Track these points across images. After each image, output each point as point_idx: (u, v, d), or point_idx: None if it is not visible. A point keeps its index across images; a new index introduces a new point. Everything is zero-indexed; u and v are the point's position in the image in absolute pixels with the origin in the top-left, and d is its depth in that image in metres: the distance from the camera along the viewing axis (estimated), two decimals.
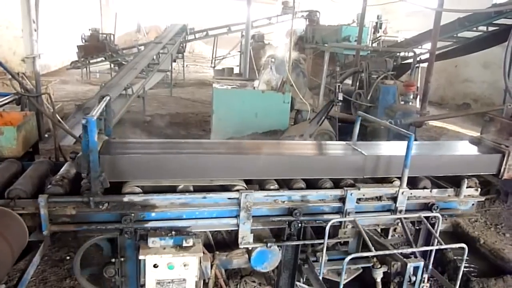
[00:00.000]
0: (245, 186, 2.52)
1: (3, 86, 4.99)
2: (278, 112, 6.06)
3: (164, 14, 22.91)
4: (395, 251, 2.43)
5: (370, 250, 2.27)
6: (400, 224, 2.68)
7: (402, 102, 7.05)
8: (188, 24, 14.60)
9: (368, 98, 6.95)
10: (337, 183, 2.68)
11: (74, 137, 3.56)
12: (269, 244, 2.47)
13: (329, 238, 2.40)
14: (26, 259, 2.21)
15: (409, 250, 2.42)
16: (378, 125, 5.91)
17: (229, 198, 2.40)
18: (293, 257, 2.66)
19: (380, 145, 3.28)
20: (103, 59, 13.98)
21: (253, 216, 2.42)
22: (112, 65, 14.36)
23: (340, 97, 4.85)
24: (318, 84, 9.54)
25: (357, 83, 7.59)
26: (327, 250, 2.40)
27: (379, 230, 2.85)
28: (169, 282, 2.28)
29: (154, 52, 11.11)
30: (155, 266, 2.23)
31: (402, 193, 2.61)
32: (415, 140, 5.64)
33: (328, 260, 2.49)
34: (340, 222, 2.52)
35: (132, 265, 2.35)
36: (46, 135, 3.61)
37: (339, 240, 2.68)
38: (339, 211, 2.57)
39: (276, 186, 2.55)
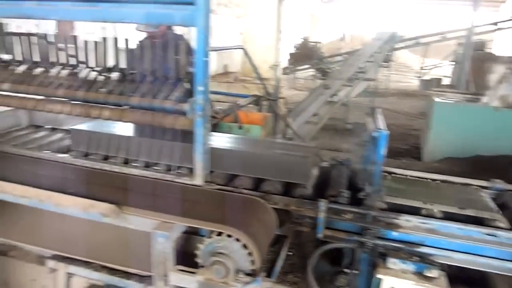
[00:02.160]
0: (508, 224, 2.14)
1: (243, 89, 5.74)
2: None
3: (369, 22, 22.76)
4: None
5: None
6: None
7: None
8: (397, 32, 14.02)
9: None
10: None
11: (300, 139, 3.74)
12: None
13: None
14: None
15: None
16: None
17: None
18: None
19: None
20: (309, 66, 14.77)
21: None
22: (316, 72, 15.06)
23: None
24: None
25: None
26: None
27: None
28: None
29: (361, 60, 11.08)
30: None
31: None
32: None
33: None
34: None
35: (364, 280, 2.28)
36: None
37: None
38: None
39: None
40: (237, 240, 1.86)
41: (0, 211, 2.69)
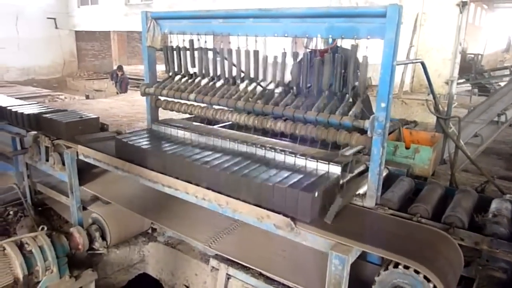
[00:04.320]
0: None
1: (401, 105, 5.40)
2: None
3: None
4: None
5: None
6: None
7: None
8: None
9: None
10: None
11: (478, 168, 3.24)
12: None
13: None
14: None
15: None
16: None
17: None
18: None
19: None
20: (465, 80, 13.24)
21: None
22: (473, 87, 13.40)
23: None
24: None
25: None
26: None
27: None
28: None
29: None
30: None
31: None
32: None
33: None
34: None
35: None
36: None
37: None
38: None
39: None
40: (427, 279, 1.66)
41: (171, 204, 2.97)
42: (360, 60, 2.24)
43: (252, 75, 2.72)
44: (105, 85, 16.41)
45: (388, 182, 2.56)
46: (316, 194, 1.99)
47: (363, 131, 2.24)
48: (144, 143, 2.83)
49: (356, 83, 2.32)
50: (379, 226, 2.07)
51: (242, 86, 2.77)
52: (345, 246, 1.81)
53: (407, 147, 3.12)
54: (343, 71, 2.35)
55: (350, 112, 2.20)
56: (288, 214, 1.99)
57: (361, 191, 2.47)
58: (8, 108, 4.03)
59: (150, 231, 3.57)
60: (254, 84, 2.73)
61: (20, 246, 2.72)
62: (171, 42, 3.12)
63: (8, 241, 2.72)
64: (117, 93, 12.65)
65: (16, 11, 19.24)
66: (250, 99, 2.61)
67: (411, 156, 3.07)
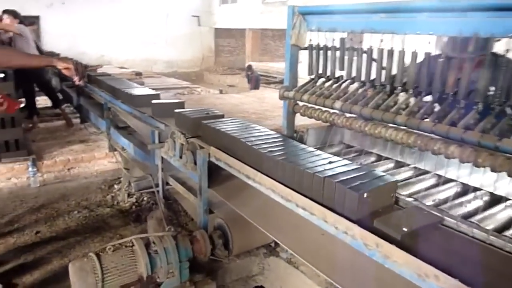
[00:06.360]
0: None
1: None
2: None
3: None
4: None
5: None
6: None
7: None
8: None
9: None
10: None
11: None
12: None
13: None
14: None
15: None
16: None
17: None
18: None
19: None
20: None
21: None
22: None
23: None
24: None
25: None
26: None
27: None
28: None
29: None
30: None
31: None
32: None
33: None
34: None
35: None
36: None
37: None
38: None
39: None
40: None
41: (298, 225, 2.62)
42: None
43: (417, 83, 2.19)
44: (237, 81, 17.19)
45: None
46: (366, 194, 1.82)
47: None
48: (275, 151, 2.53)
49: None
50: None
51: (401, 96, 2.27)
52: None
53: None
54: None
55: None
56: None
57: None
58: (151, 100, 4.20)
59: (273, 244, 3.30)
60: (419, 95, 2.19)
61: (147, 244, 2.69)
62: (311, 40, 2.78)
63: (137, 237, 2.71)
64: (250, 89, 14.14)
65: (167, 11, 21.40)
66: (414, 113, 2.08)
67: None
